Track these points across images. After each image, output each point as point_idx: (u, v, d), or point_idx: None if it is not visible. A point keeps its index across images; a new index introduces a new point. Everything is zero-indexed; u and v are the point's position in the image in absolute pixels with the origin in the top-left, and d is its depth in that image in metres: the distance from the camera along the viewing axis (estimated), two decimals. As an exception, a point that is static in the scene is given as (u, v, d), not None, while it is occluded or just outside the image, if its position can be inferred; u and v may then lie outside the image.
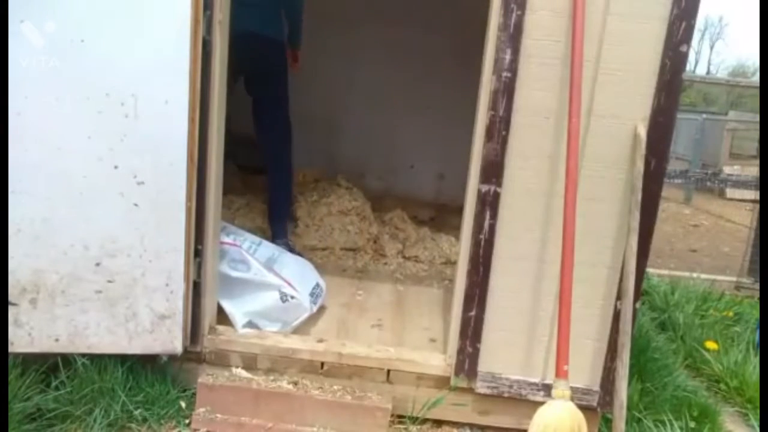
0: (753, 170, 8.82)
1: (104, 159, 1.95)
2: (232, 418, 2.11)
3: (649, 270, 4.11)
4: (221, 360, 2.25)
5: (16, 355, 2.04)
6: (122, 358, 2.12)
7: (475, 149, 2.08)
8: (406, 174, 4.63)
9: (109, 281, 2.02)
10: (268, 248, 2.52)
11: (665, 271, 4.71)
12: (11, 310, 1.98)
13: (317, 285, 2.57)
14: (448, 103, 4.22)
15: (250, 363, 2.25)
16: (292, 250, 3.09)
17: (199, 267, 2.15)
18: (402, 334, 2.50)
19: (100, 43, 1.88)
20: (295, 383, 2.19)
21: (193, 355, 2.23)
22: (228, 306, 2.32)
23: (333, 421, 2.12)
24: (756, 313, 3.67)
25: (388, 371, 2.23)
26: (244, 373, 2.22)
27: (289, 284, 2.37)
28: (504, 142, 2.01)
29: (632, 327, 2.01)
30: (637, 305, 2.08)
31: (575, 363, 1.94)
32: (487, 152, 2.02)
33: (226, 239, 2.36)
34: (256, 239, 2.54)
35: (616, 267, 2.06)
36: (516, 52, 1.95)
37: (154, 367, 2.18)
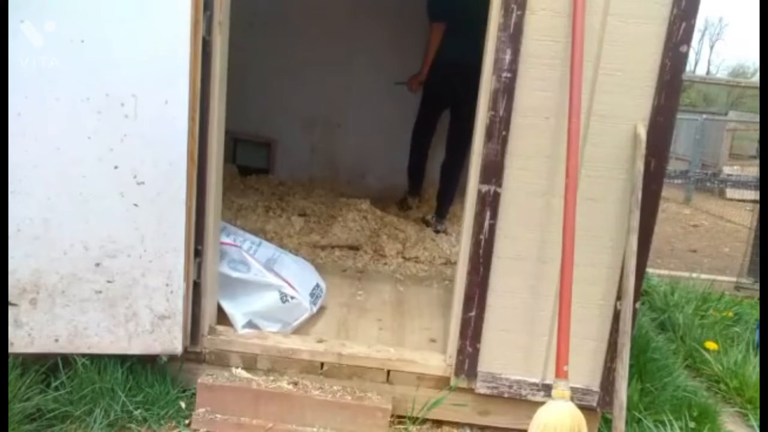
0: (753, 170, 8.82)
1: (104, 159, 1.95)
2: (232, 419, 2.11)
3: (649, 270, 4.12)
4: (221, 360, 2.25)
5: (16, 355, 2.04)
6: (122, 359, 2.12)
7: (475, 149, 2.08)
8: (406, 174, 4.63)
9: (109, 281, 2.02)
10: (268, 249, 2.52)
11: (665, 271, 4.71)
12: (11, 311, 1.98)
13: (317, 285, 2.57)
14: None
15: (250, 363, 2.25)
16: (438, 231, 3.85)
17: (199, 267, 2.15)
18: (402, 334, 2.50)
19: (100, 43, 1.88)
20: (295, 383, 2.19)
21: (193, 355, 2.23)
22: (228, 306, 2.32)
23: (333, 422, 2.12)
24: (756, 314, 3.68)
25: (388, 371, 2.23)
26: (244, 374, 2.22)
27: (289, 284, 2.37)
28: (504, 142, 2.01)
29: (632, 327, 2.01)
30: (637, 305, 2.08)
31: (575, 363, 1.94)
32: (487, 152, 2.02)
33: (226, 239, 2.36)
34: (256, 240, 2.54)
35: (616, 267, 2.06)
36: (516, 52, 1.95)
37: (154, 367, 2.18)
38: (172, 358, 2.16)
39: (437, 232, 3.86)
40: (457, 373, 2.17)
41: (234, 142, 4.86)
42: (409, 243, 3.60)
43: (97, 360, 2.09)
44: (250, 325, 2.32)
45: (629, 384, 2.13)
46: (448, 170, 3.99)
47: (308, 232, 3.61)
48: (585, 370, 2.13)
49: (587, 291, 2.07)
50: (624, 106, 1.97)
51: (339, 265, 3.29)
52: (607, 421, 2.19)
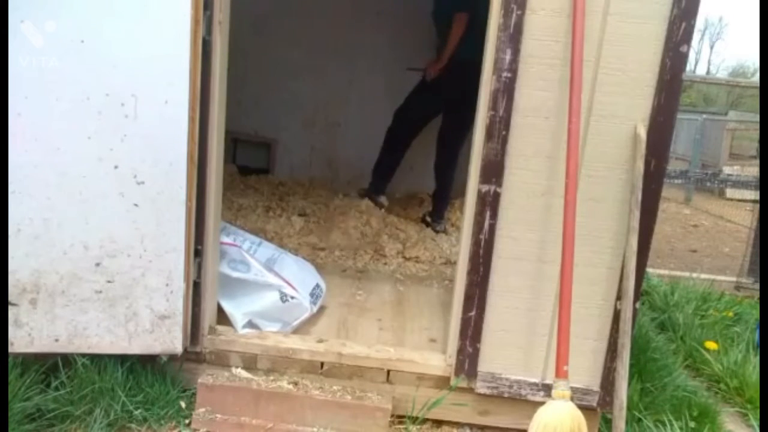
0: (753, 170, 8.83)
1: (104, 159, 1.95)
2: (232, 419, 2.11)
3: (649, 270, 4.11)
4: (221, 360, 2.25)
5: (16, 355, 2.04)
6: (122, 358, 2.13)
7: (475, 149, 2.08)
8: (406, 174, 4.63)
9: (109, 281, 2.02)
10: (268, 248, 2.52)
11: (665, 271, 4.71)
12: (11, 311, 1.98)
13: (317, 285, 2.57)
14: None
15: (250, 363, 2.25)
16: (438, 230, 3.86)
17: (199, 267, 2.15)
18: (402, 334, 2.50)
19: (100, 43, 1.88)
20: (295, 383, 2.19)
21: (193, 355, 2.23)
22: (228, 306, 2.32)
23: (333, 422, 2.12)
24: (756, 313, 3.67)
25: (388, 371, 2.23)
26: (244, 374, 2.22)
27: (289, 284, 2.37)
28: (504, 142, 2.01)
29: (632, 327, 2.01)
30: (637, 305, 2.08)
31: (575, 363, 1.94)
32: (487, 152, 2.02)
33: (226, 239, 2.36)
34: (256, 239, 2.54)
35: (616, 267, 2.06)
36: (516, 52, 1.95)
37: (154, 367, 2.18)
38: (172, 358, 2.16)
39: (437, 232, 3.85)
40: (457, 373, 2.17)
41: (234, 142, 4.86)
42: (410, 243, 3.59)
43: (97, 360, 2.09)
44: (250, 325, 2.32)
45: (629, 384, 2.13)
46: (443, 168, 3.94)
47: (308, 233, 3.61)
48: (585, 370, 2.13)
49: (587, 291, 2.07)
50: (624, 106, 1.97)
51: (339, 264, 3.29)
52: (607, 421, 2.19)
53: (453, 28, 3.67)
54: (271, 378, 2.21)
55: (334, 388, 2.20)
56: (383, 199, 4.23)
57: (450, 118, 3.89)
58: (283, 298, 2.34)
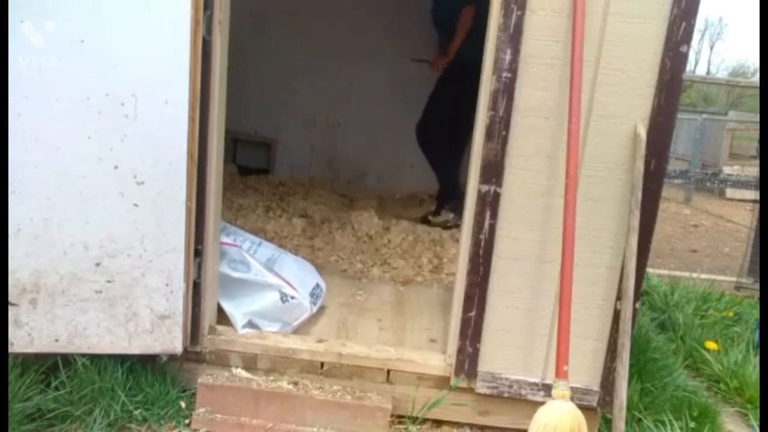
0: (753, 170, 8.81)
1: (104, 159, 1.95)
2: (232, 419, 2.11)
3: (649, 270, 4.11)
4: (221, 360, 2.25)
5: (16, 355, 2.04)
6: (122, 358, 2.13)
7: (475, 149, 2.08)
8: (406, 173, 4.63)
9: (109, 281, 2.02)
10: (268, 248, 2.52)
11: (665, 271, 4.71)
12: (11, 311, 1.98)
13: (317, 285, 2.57)
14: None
15: (250, 363, 2.25)
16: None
17: (199, 267, 2.15)
18: (402, 334, 2.50)
19: (100, 43, 1.88)
20: (295, 383, 2.19)
21: (193, 355, 2.23)
22: (228, 306, 2.32)
23: (333, 422, 2.12)
24: (756, 313, 3.67)
25: (388, 371, 2.23)
26: (244, 374, 2.22)
27: (289, 284, 2.37)
28: (504, 142, 2.01)
29: (632, 327, 2.01)
30: (637, 305, 2.08)
31: (575, 363, 1.94)
32: (487, 152, 2.02)
33: (226, 239, 2.36)
34: (256, 239, 2.54)
35: (616, 267, 2.06)
36: (516, 53, 1.95)
37: (154, 367, 2.18)
38: (172, 358, 2.16)
39: (447, 227, 3.79)
40: (457, 373, 2.17)
41: (234, 142, 4.87)
42: (447, 258, 3.39)
43: (97, 360, 2.09)
44: (250, 325, 2.32)
45: (629, 384, 2.13)
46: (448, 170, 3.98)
47: (311, 236, 3.58)
48: (585, 370, 2.13)
49: (587, 291, 2.07)
50: (624, 106, 1.97)
51: (339, 265, 3.28)
52: (607, 421, 2.19)
53: (460, 22, 3.68)
54: (271, 378, 2.21)
55: (334, 388, 2.20)
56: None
57: (454, 119, 3.89)
58: (283, 298, 2.34)
